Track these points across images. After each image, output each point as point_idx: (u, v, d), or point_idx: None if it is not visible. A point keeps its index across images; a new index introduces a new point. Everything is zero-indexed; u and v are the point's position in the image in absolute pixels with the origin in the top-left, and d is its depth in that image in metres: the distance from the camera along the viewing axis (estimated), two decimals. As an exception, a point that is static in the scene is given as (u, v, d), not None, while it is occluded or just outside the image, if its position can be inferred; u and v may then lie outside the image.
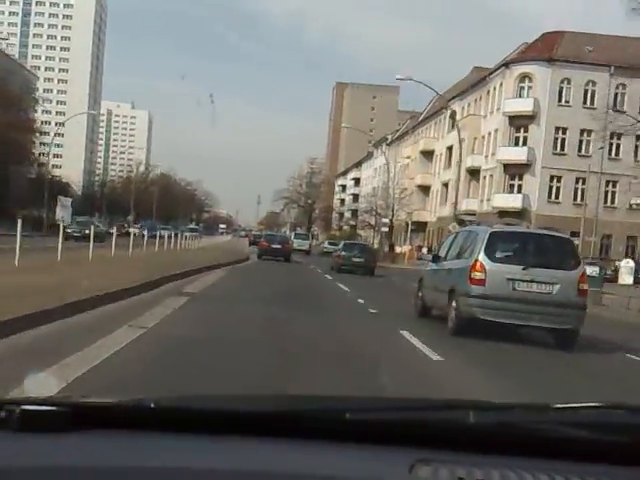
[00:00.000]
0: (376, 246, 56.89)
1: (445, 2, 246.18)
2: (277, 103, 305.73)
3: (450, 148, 50.38)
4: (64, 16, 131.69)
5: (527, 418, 1.30)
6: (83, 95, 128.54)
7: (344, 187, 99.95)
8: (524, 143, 43.26)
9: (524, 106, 42.87)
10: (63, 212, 44.11)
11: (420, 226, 56.74)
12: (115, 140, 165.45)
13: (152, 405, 1.21)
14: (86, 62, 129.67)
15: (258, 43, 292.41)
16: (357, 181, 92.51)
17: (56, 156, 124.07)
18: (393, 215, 50.67)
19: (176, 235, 35.53)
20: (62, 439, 1.12)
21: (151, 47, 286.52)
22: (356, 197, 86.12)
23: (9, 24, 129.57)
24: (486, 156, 46.41)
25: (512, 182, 44.00)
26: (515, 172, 43.65)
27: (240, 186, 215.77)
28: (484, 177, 46.82)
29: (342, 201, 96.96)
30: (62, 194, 62.95)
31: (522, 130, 43.46)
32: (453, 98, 52.83)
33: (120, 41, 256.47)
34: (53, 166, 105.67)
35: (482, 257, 9.44)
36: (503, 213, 40.51)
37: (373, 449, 1.16)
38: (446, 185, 52.56)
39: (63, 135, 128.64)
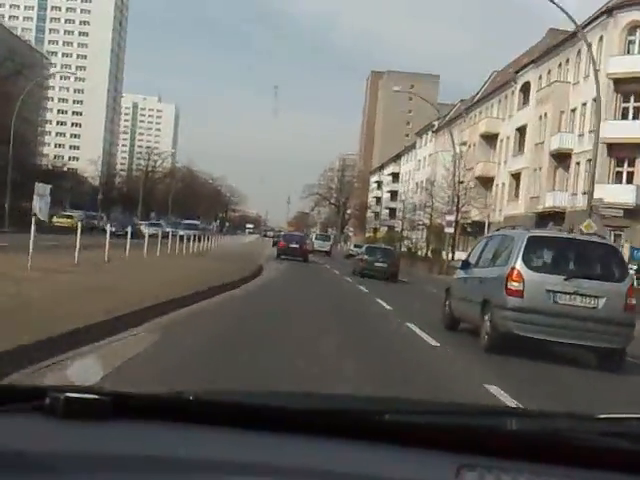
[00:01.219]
0: (418, 251, 55.75)
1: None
2: (309, 103, 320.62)
3: (522, 129, 44.43)
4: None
5: (570, 427, 1.34)
6: (102, 84, 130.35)
7: (380, 184, 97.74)
8: (636, 116, 34.36)
9: (636, 66, 33.76)
10: (40, 203, 39.40)
11: (480, 227, 47.19)
12: (141, 134, 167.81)
13: (191, 397, 1.29)
14: (106, 52, 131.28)
15: (288, 42, 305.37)
16: (395, 176, 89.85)
17: (73, 147, 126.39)
18: (458, 212, 41.03)
19: (174, 236, 29.37)
20: (104, 427, 1.19)
21: (183, 46, 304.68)
22: (394, 194, 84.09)
23: (24, 18, 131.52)
24: (580, 135, 37.60)
25: (619, 169, 34.92)
26: (624, 155, 34.61)
27: (271, 186, 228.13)
28: (577, 163, 37.83)
29: (377, 199, 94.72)
30: (75, 186, 63.49)
31: (633, 98, 34.46)
32: (524, 67, 46.48)
33: (150, 37, 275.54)
34: (70, 158, 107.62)
35: (520, 265, 9.11)
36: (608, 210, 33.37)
37: (416, 452, 1.19)
38: (516, 176, 45.36)
39: (80, 125, 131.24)
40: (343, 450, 1.20)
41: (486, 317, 9.41)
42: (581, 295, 9.00)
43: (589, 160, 34.07)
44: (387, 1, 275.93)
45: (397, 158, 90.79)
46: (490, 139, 52.23)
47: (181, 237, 29.92)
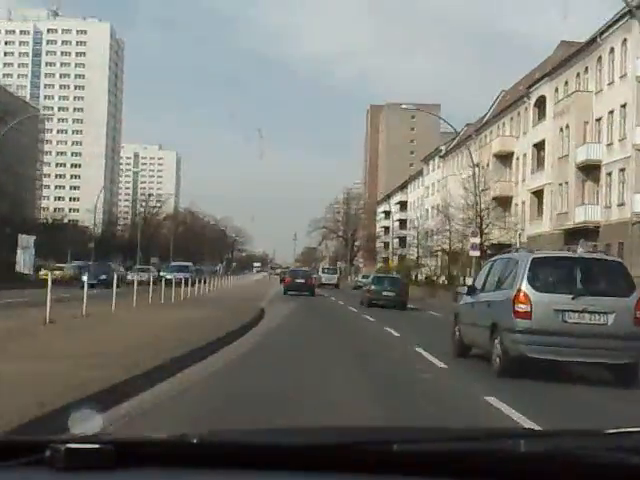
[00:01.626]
0: (437, 278, 54.86)
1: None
2: (310, 142, 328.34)
3: (539, 145, 44.09)
4: (77, 54, 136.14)
5: (579, 444, 1.36)
6: (100, 136, 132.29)
7: (387, 214, 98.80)
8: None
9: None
10: (24, 255, 38.36)
11: (499, 250, 46.57)
12: (143, 182, 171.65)
13: (195, 441, 1.29)
14: (102, 103, 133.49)
15: (286, 85, 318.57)
16: (403, 205, 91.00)
17: (73, 199, 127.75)
18: (482, 234, 38.71)
19: (160, 279, 28.80)
20: (107, 477, 1.21)
21: (180, 92, 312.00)
22: (403, 223, 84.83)
23: (19, 65, 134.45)
24: (609, 144, 36.45)
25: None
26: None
27: (276, 225, 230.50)
28: (608, 174, 36.64)
29: (386, 229, 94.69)
30: (76, 237, 63.76)
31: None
32: (537, 82, 46.01)
33: (148, 86, 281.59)
34: (70, 210, 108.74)
35: (525, 286, 9.32)
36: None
37: None
38: (538, 193, 44.21)
39: (79, 177, 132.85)
40: None
41: (496, 341, 9.59)
42: (590, 312, 9.18)
43: (622, 170, 34.43)
44: (380, 41, 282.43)
45: (404, 187, 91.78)
46: (504, 158, 51.53)
47: (174, 281, 27.31)
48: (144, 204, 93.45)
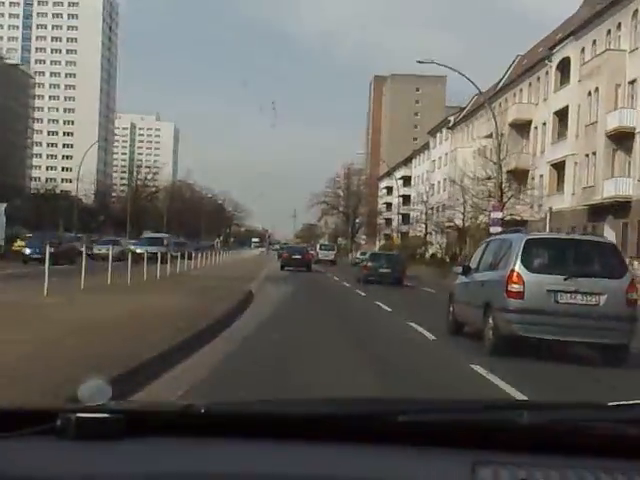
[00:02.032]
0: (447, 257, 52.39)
1: None
2: (310, 117, 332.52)
3: (562, 112, 41.38)
4: (69, 16, 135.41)
5: (582, 416, 1.44)
6: (93, 101, 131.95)
7: (390, 189, 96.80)
8: None
9: None
10: None
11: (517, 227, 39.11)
12: (140, 154, 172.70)
13: (202, 410, 1.36)
14: (95, 69, 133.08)
15: (288, 58, 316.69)
16: (407, 180, 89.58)
17: (65, 169, 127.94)
18: (504, 207, 34.01)
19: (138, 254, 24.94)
20: (117, 446, 1.26)
21: (181, 65, 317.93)
22: (407, 199, 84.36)
23: (10, 27, 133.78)
24: None
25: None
26: None
27: (276, 201, 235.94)
28: None
29: (388, 205, 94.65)
30: (68, 209, 63.92)
31: None
32: (560, 42, 43.04)
33: (148, 56, 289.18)
34: (62, 180, 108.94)
35: (519, 267, 9.74)
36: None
37: (430, 451, 1.28)
38: (558, 166, 41.74)
39: (72, 146, 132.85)
40: (358, 455, 1.28)
41: (489, 320, 10.06)
42: (582, 293, 9.61)
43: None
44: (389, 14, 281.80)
45: (408, 161, 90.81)
46: (521, 128, 48.20)
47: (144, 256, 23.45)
48: (136, 174, 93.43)
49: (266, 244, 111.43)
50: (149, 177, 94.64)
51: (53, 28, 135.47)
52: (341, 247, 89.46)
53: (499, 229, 29.41)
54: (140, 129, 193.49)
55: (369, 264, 31.10)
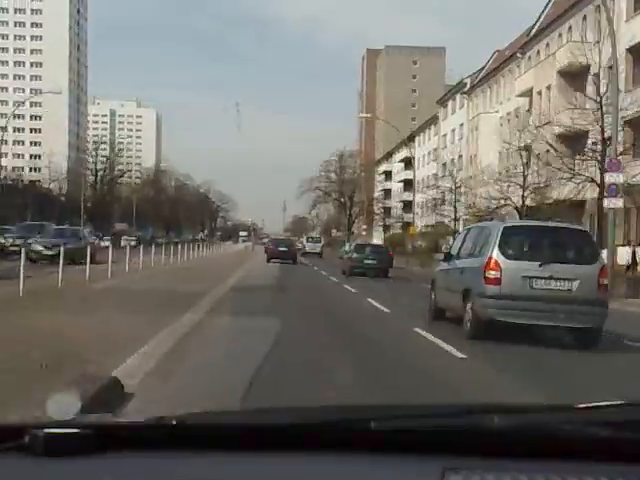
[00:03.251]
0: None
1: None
2: (297, 107, 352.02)
3: (635, 49, 35.50)
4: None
5: (551, 419, 1.54)
6: (62, 83, 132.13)
7: (389, 174, 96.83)
8: None
9: None
10: None
11: (569, 207, 34.45)
12: (120, 143, 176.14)
13: (174, 422, 1.43)
14: (63, 47, 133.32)
15: (271, 48, 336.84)
16: (408, 163, 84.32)
17: (34, 157, 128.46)
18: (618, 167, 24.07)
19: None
20: (87, 462, 1.32)
21: (165, 54, 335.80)
22: (408, 184, 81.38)
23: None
24: None
25: None
26: None
27: (266, 194, 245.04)
28: None
29: (386, 192, 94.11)
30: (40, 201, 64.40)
31: None
32: None
33: (131, 45, 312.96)
34: (31, 169, 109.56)
35: (496, 254, 11.19)
36: None
37: (401, 458, 1.38)
38: (634, 123, 34.12)
39: (40, 131, 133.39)
40: (328, 464, 1.37)
41: (468, 306, 11.54)
42: (556, 279, 11.06)
43: None
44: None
45: (409, 140, 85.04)
46: (574, 77, 40.32)
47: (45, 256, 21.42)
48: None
49: (252, 238, 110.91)
50: (122, 163, 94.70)
51: (16, 12, 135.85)
52: (335, 239, 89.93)
53: (619, 203, 22.71)
54: (120, 116, 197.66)
55: (354, 256, 33.09)
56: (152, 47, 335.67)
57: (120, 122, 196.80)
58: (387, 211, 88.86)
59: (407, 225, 74.07)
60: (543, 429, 1.48)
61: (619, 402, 1.63)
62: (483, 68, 61.95)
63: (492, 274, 11.15)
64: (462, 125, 64.53)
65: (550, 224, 12.18)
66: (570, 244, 11.67)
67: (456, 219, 49.91)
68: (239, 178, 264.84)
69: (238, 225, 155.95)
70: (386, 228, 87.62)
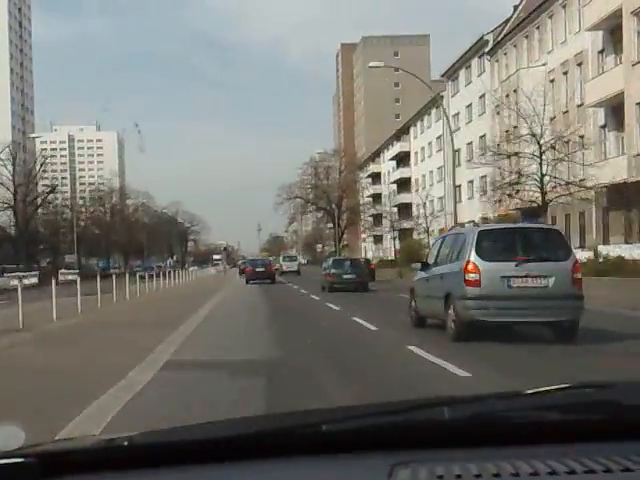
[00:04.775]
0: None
1: None
2: (263, 126, 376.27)
3: None
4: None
5: (499, 407, 1.75)
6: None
7: (377, 176, 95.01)
8: None
9: None
10: None
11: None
12: (82, 170, 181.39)
13: (125, 443, 1.61)
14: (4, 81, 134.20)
15: (238, 69, 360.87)
16: (403, 158, 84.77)
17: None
18: None
19: None
20: None
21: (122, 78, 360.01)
22: (403, 184, 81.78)
23: None
24: None
25: None
26: None
27: (240, 217, 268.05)
28: None
29: (375, 197, 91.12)
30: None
31: None
32: None
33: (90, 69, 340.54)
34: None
35: (474, 257, 13.18)
36: None
37: (351, 458, 1.56)
38: None
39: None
40: (279, 470, 1.55)
41: (450, 310, 13.50)
42: (532, 277, 13.05)
43: None
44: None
45: (401, 133, 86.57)
46: None
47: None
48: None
49: (223, 261, 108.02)
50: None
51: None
52: (322, 254, 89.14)
53: None
54: (80, 141, 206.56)
55: (332, 271, 35.71)
56: (115, 74, 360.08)
57: (80, 147, 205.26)
58: (377, 219, 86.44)
59: (405, 231, 71.35)
60: (491, 417, 1.67)
61: (565, 385, 1.77)
62: (509, 20, 54.29)
63: (471, 276, 13.12)
64: (480, 98, 57.35)
65: (523, 225, 14.34)
66: (544, 243, 13.74)
67: (545, 201, 36.10)
68: (211, 202, 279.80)
69: (213, 249, 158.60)
70: (377, 239, 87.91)
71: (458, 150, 55.80)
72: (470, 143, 58.54)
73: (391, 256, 75.55)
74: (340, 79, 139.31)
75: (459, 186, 55.58)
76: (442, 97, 62.67)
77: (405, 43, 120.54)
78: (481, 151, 49.79)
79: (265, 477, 1.52)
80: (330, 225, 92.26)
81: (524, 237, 13.79)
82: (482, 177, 50.15)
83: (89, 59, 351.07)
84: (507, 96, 46.72)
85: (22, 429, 1.61)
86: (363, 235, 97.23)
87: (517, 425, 1.65)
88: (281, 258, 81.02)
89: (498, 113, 49.44)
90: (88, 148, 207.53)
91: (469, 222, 38.01)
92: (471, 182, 57.25)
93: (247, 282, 48.52)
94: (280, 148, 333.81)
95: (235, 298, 33.24)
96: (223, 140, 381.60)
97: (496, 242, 13.80)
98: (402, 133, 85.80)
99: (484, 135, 54.09)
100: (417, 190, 74.93)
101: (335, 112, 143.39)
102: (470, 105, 60.54)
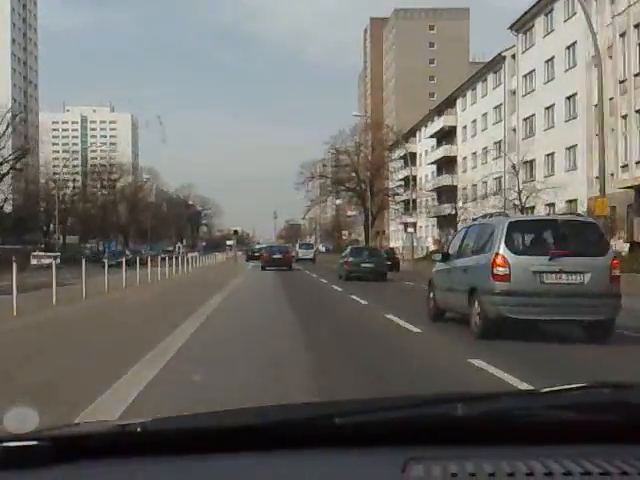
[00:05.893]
0: None
1: None
2: (284, 117, 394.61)
3: None
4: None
5: (514, 405, 1.85)
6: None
7: (412, 157, 78.73)
8: None
9: None
10: None
11: None
12: (93, 151, 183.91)
13: (138, 429, 1.72)
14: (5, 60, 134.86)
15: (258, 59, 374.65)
16: (446, 135, 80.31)
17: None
18: None
19: None
20: (46, 474, 1.55)
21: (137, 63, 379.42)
22: (447, 163, 78.48)
23: None
24: None
25: None
26: None
27: (258, 204, 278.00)
28: None
29: (407, 182, 75.41)
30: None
31: None
32: None
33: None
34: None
35: (503, 250, 13.17)
36: None
37: (364, 452, 1.64)
38: None
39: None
40: (292, 461, 1.64)
41: (475, 304, 13.52)
42: (566, 272, 13.05)
43: None
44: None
45: (445, 107, 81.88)
46: None
47: None
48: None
49: (233, 247, 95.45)
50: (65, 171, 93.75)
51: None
52: (348, 243, 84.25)
53: None
54: (92, 122, 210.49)
55: (350, 259, 37.42)
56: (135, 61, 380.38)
57: (92, 129, 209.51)
58: (407, 205, 76.47)
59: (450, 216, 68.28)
60: (506, 415, 1.75)
61: (581, 385, 1.82)
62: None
63: (500, 270, 13.12)
64: (573, 45, 50.09)
65: (557, 217, 14.31)
66: (579, 236, 13.71)
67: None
68: (228, 189, 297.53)
69: (227, 235, 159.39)
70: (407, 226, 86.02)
71: (531, 117, 54.56)
72: (551, 107, 53.08)
73: (428, 246, 74.71)
74: (368, 56, 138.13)
75: (532, 161, 52.86)
76: (504, 58, 61.61)
77: (442, 17, 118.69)
78: (571, 114, 48.22)
79: (278, 468, 1.60)
80: (349, 213, 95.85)
81: (558, 230, 13.77)
82: (569, 148, 48.13)
83: (109, 47, 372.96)
84: (622, 35, 40.22)
85: (36, 412, 1.68)
86: (393, 222, 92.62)
87: (532, 424, 1.72)
88: (297, 245, 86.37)
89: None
90: (101, 129, 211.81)
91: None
92: (550, 155, 52.36)
93: (263, 268, 52.03)
94: (297, 139, 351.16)
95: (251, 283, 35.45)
96: (240, 129, 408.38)
97: (528, 234, 13.84)
98: (446, 106, 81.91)
99: (573, 95, 49.39)
100: (464, 171, 72.58)
101: (362, 92, 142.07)
102: (551, 59, 53.68)
